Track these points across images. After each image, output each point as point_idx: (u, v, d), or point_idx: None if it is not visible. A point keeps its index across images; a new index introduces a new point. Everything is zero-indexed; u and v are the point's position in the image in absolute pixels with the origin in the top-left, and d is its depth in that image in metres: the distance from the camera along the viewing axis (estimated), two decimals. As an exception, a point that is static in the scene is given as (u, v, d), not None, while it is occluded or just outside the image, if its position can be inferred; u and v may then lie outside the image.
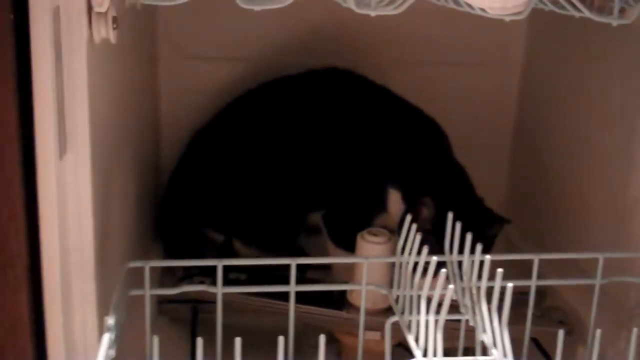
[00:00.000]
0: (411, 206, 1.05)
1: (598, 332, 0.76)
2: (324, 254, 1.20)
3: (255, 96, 1.23)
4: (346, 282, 1.07)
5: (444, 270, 0.70)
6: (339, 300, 1.04)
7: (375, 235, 1.03)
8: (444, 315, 0.67)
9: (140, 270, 0.82)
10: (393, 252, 1.01)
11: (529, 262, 0.91)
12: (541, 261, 0.89)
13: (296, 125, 1.18)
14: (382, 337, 0.98)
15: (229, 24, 1.31)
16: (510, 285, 0.66)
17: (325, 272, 1.19)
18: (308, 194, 1.19)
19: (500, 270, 0.69)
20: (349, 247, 1.09)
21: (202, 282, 1.01)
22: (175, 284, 1.05)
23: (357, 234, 1.05)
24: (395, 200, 1.13)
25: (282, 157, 1.18)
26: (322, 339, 0.69)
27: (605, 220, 1.11)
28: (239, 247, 1.22)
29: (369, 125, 1.16)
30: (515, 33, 1.38)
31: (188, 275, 1.10)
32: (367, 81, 1.22)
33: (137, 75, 1.14)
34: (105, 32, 0.72)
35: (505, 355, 0.68)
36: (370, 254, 1.00)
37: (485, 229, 1.07)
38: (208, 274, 1.02)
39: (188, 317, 1.11)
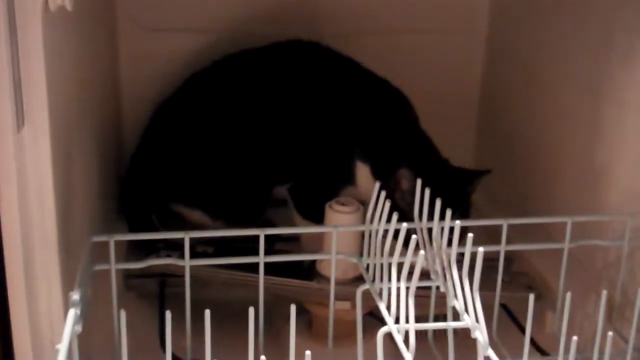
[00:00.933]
0: (387, 179, 1.04)
1: (568, 295, 0.76)
2: (292, 226, 1.19)
3: (219, 68, 1.21)
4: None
5: (414, 236, 0.69)
6: (309, 271, 1.03)
7: (343, 204, 1.02)
8: (415, 282, 0.66)
9: (106, 246, 0.80)
10: (362, 222, 1.01)
11: (496, 229, 0.92)
12: (509, 227, 0.90)
13: (261, 97, 1.16)
14: (353, 306, 0.98)
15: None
16: (480, 249, 0.66)
17: (293, 244, 1.19)
18: (274, 166, 1.17)
19: (470, 235, 0.68)
20: (317, 219, 1.08)
21: (169, 256, 1.00)
22: (142, 260, 1.05)
23: (325, 205, 1.04)
24: (363, 173, 1.12)
25: (248, 129, 1.16)
26: (292, 309, 0.69)
27: (572, 185, 1.12)
28: (205, 221, 1.21)
29: (335, 97, 1.15)
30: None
31: (154, 250, 1.09)
32: (333, 53, 1.20)
33: (96, 47, 1.11)
34: (61, -1, 0.70)
35: (477, 320, 0.68)
36: (339, 224, 0.99)
37: (466, 186, 1.08)
38: (175, 248, 1.01)
39: (155, 292, 1.09)
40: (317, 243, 1.04)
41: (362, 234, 0.94)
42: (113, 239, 0.79)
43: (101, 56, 1.18)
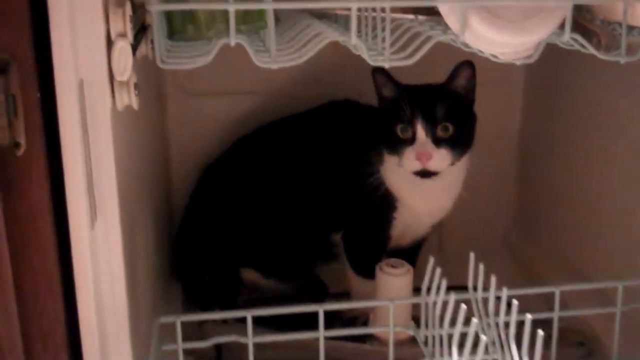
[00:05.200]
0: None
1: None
2: (341, 281, 1.22)
3: (264, 133, 1.26)
4: (365, 312, 1.08)
5: (474, 320, 0.71)
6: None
7: (394, 266, 1.04)
8: (480, 357, 0.68)
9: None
10: (412, 284, 1.03)
11: (544, 281, 0.92)
12: (558, 279, 0.91)
13: (305, 158, 1.20)
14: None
15: (232, 59, 1.31)
16: (540, 333, 0.68)
17: (344, 299, 1.21)
18: (324, 220, 1.20)
19: (529, 316, 0.70)
20: (368, 274, 1.11)
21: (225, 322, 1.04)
22: (198, 327, 1.07)
23: (376, 266, 1.06)
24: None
25: (294, 190, 1.20)
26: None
27: (620, 241, 1.12)
28: (258, 279, 1.24)
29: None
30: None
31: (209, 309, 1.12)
32: (362, 106, 1.24)
33: (150, 118, 1.15)
34: (127, 99, 0.73)
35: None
36: (389, 286, 1.01)
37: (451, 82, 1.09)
38: (228, 308, 1.07)
39: (213, 356, 1.12)
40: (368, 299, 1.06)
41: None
42: (179, 320, 0.82)
43: (154, 125, 1.22)
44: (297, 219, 1.20)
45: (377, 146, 1.11)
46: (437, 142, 1.05)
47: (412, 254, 1.20)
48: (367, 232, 1.18)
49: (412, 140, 1.05)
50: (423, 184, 1.08)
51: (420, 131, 1.04)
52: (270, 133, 1.25)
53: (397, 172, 1.09)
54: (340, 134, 1.19)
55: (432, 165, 1.05)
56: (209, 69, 1.32)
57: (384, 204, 1.13)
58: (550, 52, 1.20)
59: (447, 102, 1.05)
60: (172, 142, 1.37)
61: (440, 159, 1.05)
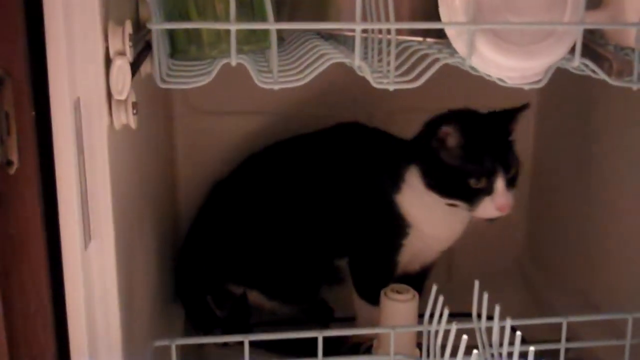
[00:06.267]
0: (433, 138, 1.05)
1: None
2: (349, 305, 1.19)
3: (272, 153, 1.24)
4: (370, 338, 1.06)
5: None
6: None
7: (399, 292, 1.02)
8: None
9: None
10: (417, 310, 1.01)
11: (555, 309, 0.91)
12: (565, 302, 0.89)
13: (313, 179, 1.18)
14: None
15: (242, 78, 1.30)
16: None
17: (350, 323, 1.19)
18: (329, 246, 1.18)
19: (532, 348, 0.68)
20: (375, 300, 1.08)
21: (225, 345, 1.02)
22: (199, 351, 1.06)
23: (381, 291, 1.04)
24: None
25: (301, 211, 1.18)
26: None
27: (631, 267, 1.10)
28: (262, 301, 1.22)
29: (377, 168, 1.16)
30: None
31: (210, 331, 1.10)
32: (369, 129, 1.22)
33: (154, 137, 1.14)
34: (125, 118, 0.72)
35: None
36: (393, 312, 0.99)
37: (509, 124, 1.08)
38: (230, 331, 1.08)
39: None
40: (373, 326, 1.04)
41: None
42: (174, 344, 0.80)
43: (159, 144, 1.21)
44: (302, 241, 1.19)
45: (394, 174, 1.10)
46: (509, 188, 1.04)
47: (419, 280, 1.18)
48: (375, 258, 1.16)
49: (488, 190, 1.03)
50: (441, 210, 1.07)
51: (500, 182, 1.02)
52: (277, 153, 1.23)
53: (418, 199, 1.08)
54: (346, 158, 1.18)
55: (508, 211, 1.04)
56: (218, 88, 1.32)
57: (395, 230, 1.12)
58: (564, 77, 1.20)
59: (513, 148, 1.06)
60: (180, 161, 1.36)
61: (512, 203, 1.04)
